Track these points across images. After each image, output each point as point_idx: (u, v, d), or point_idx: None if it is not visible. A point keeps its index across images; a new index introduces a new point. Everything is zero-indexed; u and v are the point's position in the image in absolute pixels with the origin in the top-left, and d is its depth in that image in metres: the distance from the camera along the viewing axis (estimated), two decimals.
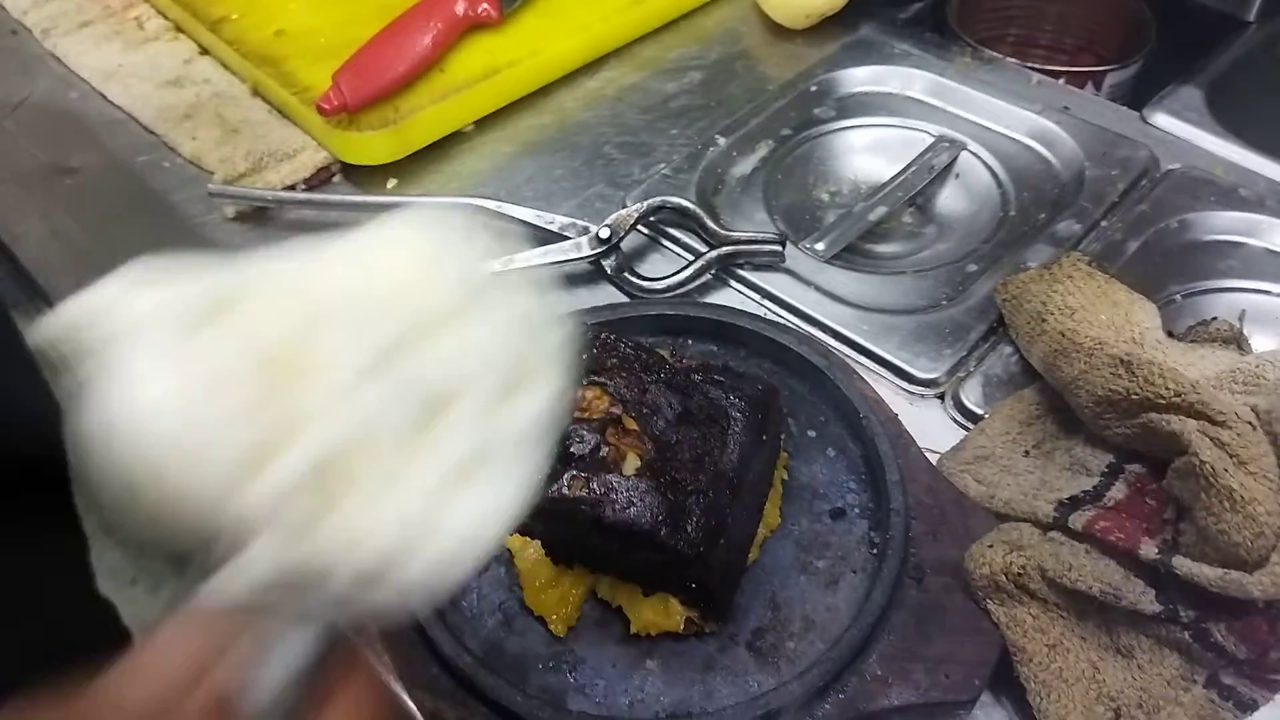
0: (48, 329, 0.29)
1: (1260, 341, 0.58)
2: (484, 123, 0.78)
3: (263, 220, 0.71)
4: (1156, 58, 0.81)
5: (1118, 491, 0.47)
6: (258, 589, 0.27)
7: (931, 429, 0.56)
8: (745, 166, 0.74)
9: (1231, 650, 0.42)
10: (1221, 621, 0.43)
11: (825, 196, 0.75)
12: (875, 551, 0.49)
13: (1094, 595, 0.43)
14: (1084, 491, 0.47)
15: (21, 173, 0.75)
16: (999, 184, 0.73)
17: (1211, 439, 0.43)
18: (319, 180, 0.73)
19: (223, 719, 0.28)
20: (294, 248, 0.31)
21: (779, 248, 0.65)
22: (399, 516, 0.28)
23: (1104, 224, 0.66)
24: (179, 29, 0.86)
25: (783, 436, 0.53)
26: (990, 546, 0.46)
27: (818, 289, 0.64)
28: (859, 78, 0.80)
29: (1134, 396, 0.47)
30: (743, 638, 0.47)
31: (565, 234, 0.66)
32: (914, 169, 0.72)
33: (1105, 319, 0.55)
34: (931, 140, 0.75)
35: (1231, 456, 0.43)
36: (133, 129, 0.78)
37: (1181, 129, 0.73)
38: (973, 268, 0.65)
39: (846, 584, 0.48)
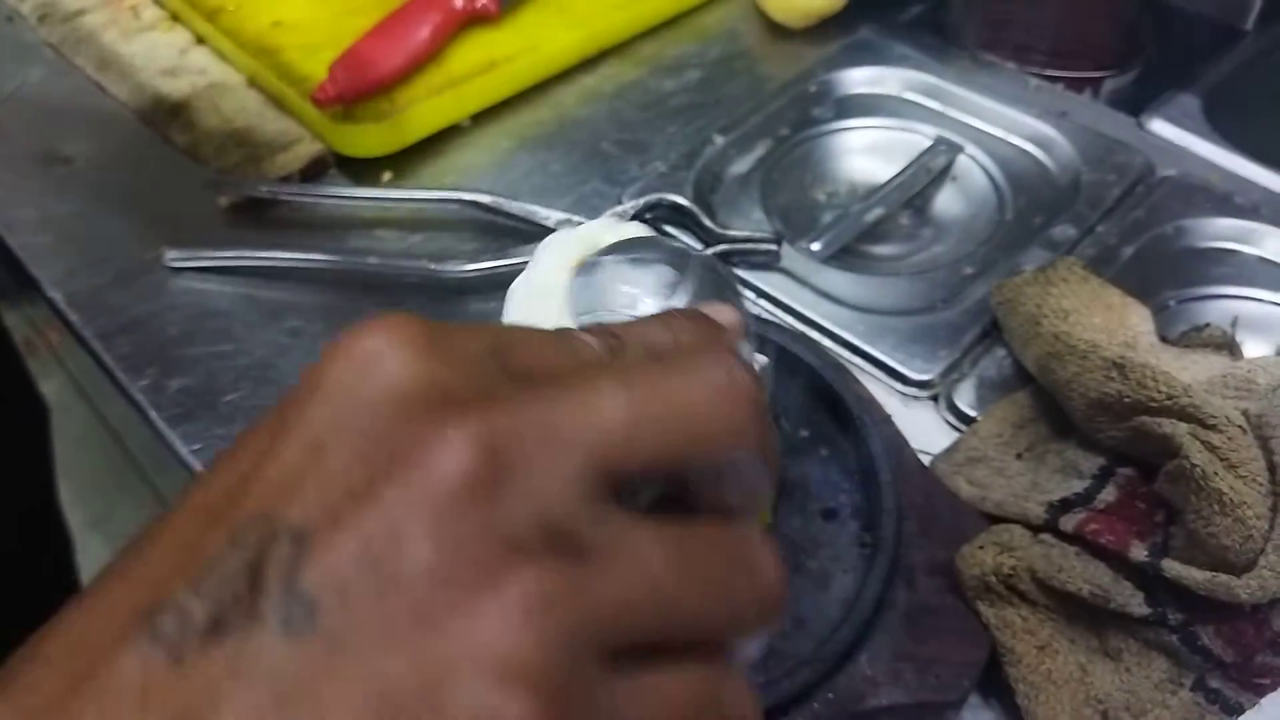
0: None
1: (1252, 348, 0.58)
2: (481, 117, 0.77)
3: (257, 211, 0.71)
4: (1154, 65, 0.81)
5: (1109, 494, 0.47)
6: None
7: (925, 430, 0.56)
8: (743, 165, 0.74)
9: (1218, 654, 0.42)
10: (1209, 625, 0.43)
11: (822, 197, 0.75)
12: (867, 552, 0.49)
13: (1084, 597, 0.43)
14: (1075, 494, 0.47)
15: (14, 161, 0.74)
16: (996, 188, 0.73)
17: (1203, 442, 0.43)
18: (314, 172, 0.73)
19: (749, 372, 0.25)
20: None
21: (775, 247, 0.65)
22: None
23: (1099, 229, 0.67)
24: (175, 18, 0.86)
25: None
26: (981, 548, 0.46)
27: (813, 289, 0.64)
28: (858, 79, 0.80)
29: (1126, 399, 0.47)
30: None
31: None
32: (911, 171, 0.72)
33: (1099, 322, 0.55)
34: (929, 143, 0.75)
35: (1222, 460, 0.43)
36: (127, 118, 0.78)
37: (1178, 136, 0.73)
38: (969, 270, 0.65)
39: (837, 584, 0.48)
